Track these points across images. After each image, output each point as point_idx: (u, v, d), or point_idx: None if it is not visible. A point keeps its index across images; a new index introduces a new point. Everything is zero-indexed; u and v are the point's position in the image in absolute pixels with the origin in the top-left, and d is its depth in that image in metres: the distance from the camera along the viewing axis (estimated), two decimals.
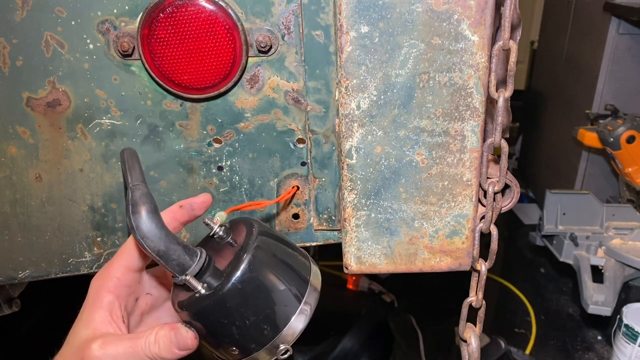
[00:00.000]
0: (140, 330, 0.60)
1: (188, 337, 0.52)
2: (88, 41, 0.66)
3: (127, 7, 0.64)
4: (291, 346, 0.54)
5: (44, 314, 2.08)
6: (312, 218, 0.76)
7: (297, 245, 0.66)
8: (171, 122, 0.70)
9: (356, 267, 0.70)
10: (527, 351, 2.02)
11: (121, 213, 0.75)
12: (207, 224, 0.56)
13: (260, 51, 0.66)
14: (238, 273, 0.51)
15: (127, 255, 0.55)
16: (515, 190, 0.69)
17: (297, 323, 0.53)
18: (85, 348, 0.50)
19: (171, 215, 0.57)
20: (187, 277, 0.50)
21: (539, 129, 3.25)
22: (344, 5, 0.58)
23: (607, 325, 1.97)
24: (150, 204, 0.50)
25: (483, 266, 0.69)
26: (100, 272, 0.56)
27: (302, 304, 0.54)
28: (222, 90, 0.66)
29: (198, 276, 0.51)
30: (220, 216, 0.57)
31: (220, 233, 0.56)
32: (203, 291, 0.51)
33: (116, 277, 0.54)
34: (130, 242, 0.56)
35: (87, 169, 0.72)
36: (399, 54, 0.60)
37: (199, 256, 0.52)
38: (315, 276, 0.57)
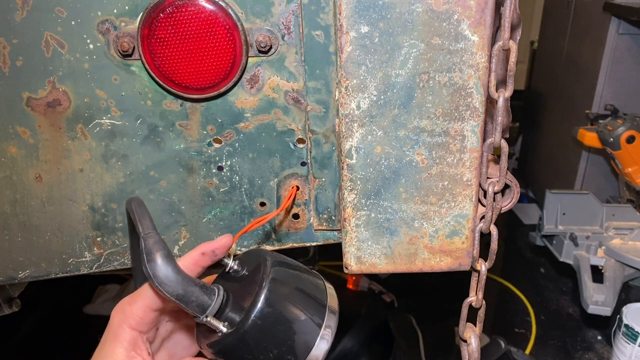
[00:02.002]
0: (160, 355, 0.60)
1: None
2: (88, 41, 0.66)
3: (127, 7, 0.64)
4: None
5: (44, 314, 2.08)
6: (312, 218, 0.76)
7: (298, 245, 0.66)
8: (171, 122, 0.70)
9: (356, 267, 0.70)
10: (527, 351, 2.02)
11: (121, 213, 0.75)
12: (222, 261, 0.56)
13: (260, 51, 0.66)
14: (256, 309, 0.51)
15: (150, 296, 0.55)
16: (515, 190, 0.69)
17: (320, 348, 0.54)
18: None
19: (193, 262, 0.57)
20: (208, 319, 0.51)
21: (539, 129, 3.25)
22: (344, 5, 0.58)
23: (607, 325, 1.97)
24: (164, 250, 0.50)
25: (483, 266, 0.69)
26: (121, 306, 0.56)
27: (322, 329, 0.54)
28: (222, 90, 0.66)
29: (218, 314, 0.52)
30: (231, 248, 0.57)
31: (235, 267, 0.56)
32: (225, 330, 0.52)
33: (138, 316, 0.55)
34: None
35: (87, 169, 0.72)
36: (399, 54, 0.60)
37: (217, 294, 0.52)
38: (332, 297, 0.58)
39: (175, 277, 0.50)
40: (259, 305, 0.51)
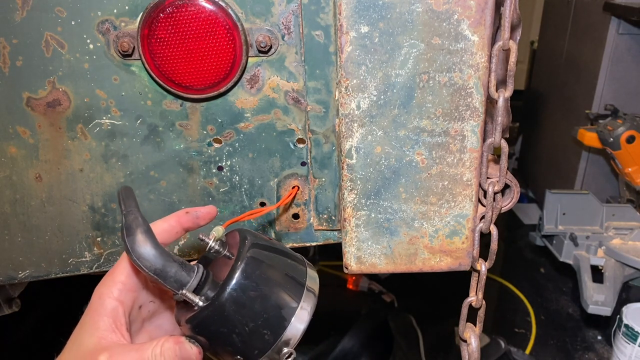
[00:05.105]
0: (140, 337, 0.60)
1: (192, 353, 0.53)
2: (88, 41, 0.66)
3: (127, 7, 0.64)
4: (294, 349, 0.54)
5: (44, 314, 2.08)
6: (312, 218, 0.76)
7: (298, 245, 0.66)
8: (171, 122, 0.70)
9: (356, 267, 0.70)
10: (527, 351, 2.02)
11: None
12: (202, 240, 0.56)
13: (260, 51, 0.66)
14: (233, 282, 0.52)
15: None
16: (515, 190, 0.69)
17: (297, 326, 0.54)
18: (91, 359, 0.50)
19: (176, 219, 0.58)
20: (185, 292, 0.51)
21: (539, 129, 3.25)
22: (344, 5, 0.58)
23: (607, 325, 1.97)
24: (144, 225, 0.51)
25: (483, 266, 0.69)
26: (103, 279, 0.56)
27: (299, 307, 0.55)
28: (222, 90, 0.66)
29: (197, 290, 0.53)
30: (217, 231, 0.58)
31: (216, 247, 0.56)
32: (201, 303, 0.52)
33: (120, 282, 0.54)
34: None
35: (87, 169, 0.72)
36: (399, 54, 0.60)
37: (196, 272, 0.53)
38: (312, 280, 0.58)
39: (154, 252, 0.50)
40: (235, 278, 0.52)
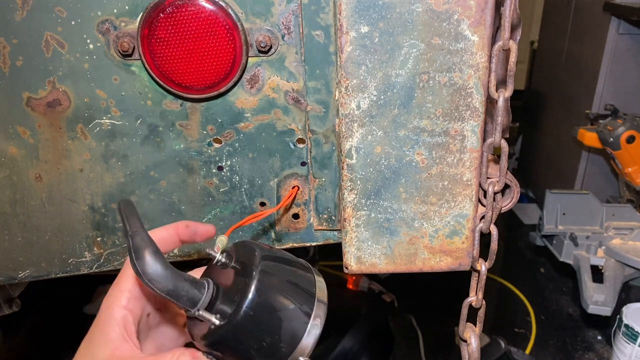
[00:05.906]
0: (147, 345, 0.60)
1: None
2: (88, 41, 0.66)
3: (127, 7, 0.64)
4: (309, 358, 0.55)
5: (44, 314, 2.08)
6: (312, 218, 0.76)
7: (298, 245, 0.66)
8: (171, 122, 0.70)
9: (356, 267, 0.70)
10: (527, 351, 2.02)
11: None
12: (209, 253, 0.56)
13: (260, 51, 0.66)
14: (248, 300, 0.52)
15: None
16: (515, 190, 0.69)
17: (311, 336, 0.55)
18: None
19: (175, 230, 0.58)
20: (200, 312, 0.51)
21: (539, 129, 3.25)
22: (344, 5, 0.58)
23: (607, 325, 1.97)
24: (152, 246, 0.51)
25: (483, 266, 0.69)
26: (110, 290, 0.55)
27: (312, 318, 0.55)
28: (222, 90, 0.66)
29: (209, 307, 0.53)
30: (221, 241, 0.58)
31: (223, 260, 0.57)
32: (217, 322, 0.52)
33: (127, 290, 0.54)
34: None
35: (87, 169, 0.72)
36: (399, 54, 0.60)
37: (206, 287, 0.53)
38: (321, 288, 0.59)
39: (165, 272, 0.50)
40: (250, 296, 0.52)
